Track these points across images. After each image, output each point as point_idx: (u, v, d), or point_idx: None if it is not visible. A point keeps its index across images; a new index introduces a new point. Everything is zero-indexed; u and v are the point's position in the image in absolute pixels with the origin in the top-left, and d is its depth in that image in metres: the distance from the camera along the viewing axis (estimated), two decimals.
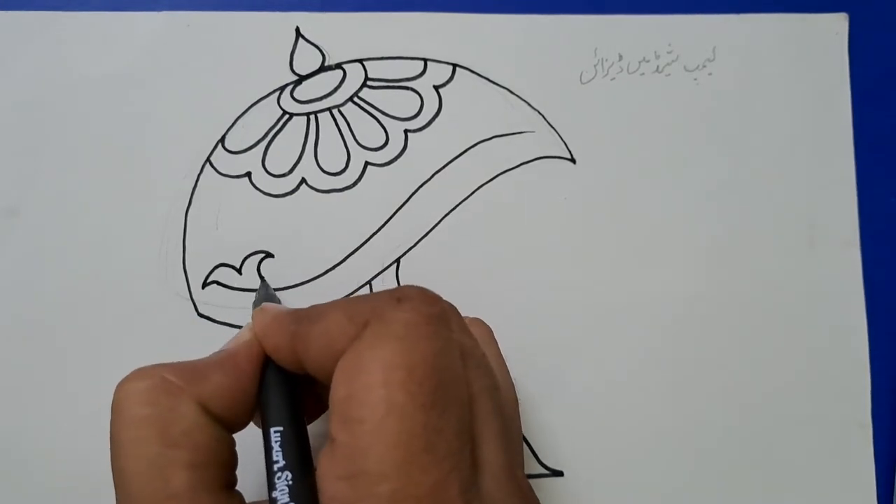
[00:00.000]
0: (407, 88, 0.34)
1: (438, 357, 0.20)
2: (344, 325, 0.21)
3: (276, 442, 0.22)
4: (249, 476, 0.25)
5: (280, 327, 0.23)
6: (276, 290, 0.32)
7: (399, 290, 0.22)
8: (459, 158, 0.33)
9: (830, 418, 0.32)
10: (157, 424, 0.21)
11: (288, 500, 0.20)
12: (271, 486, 0.21)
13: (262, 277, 0.32)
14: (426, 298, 0.21)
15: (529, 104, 0.34)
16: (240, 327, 0.32)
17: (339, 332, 0.21)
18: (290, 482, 0.21)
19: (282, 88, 0.34)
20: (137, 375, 0.22)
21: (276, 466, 0.21)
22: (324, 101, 0.33)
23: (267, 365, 0.24)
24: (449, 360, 0.21)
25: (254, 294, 0.32)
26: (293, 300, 0.32)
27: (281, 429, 0.22)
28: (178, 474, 0.20)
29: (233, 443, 0.23)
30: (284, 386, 0.24)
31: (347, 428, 0.19)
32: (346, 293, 0.32)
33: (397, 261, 0.32)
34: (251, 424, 0.24)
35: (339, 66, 0.34)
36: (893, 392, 0.33)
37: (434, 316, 0.21)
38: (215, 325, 0.32)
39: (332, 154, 0.33)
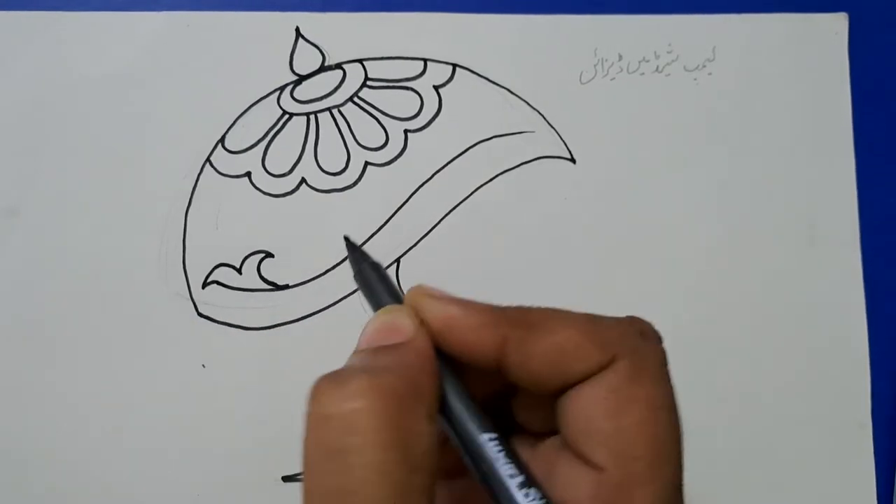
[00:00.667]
0: (407, 88, 0.34)
1: (676, 399, 0.21)
2: (587, 349, 0.21)
3: (499, 451, 0.20)
4: None
5: (484, 327, 0.21)
6: (276, 289, 0.32)
7: (635, 322, 0.22)
8: (459, 158, 0.33)
9: (830, 418, 0.32)
10: (403, 448, 0.19)
11: None
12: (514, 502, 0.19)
13: (348, 240, 0.25)
14: (658, 335, 0.22)
15: (529, 104, 0.34)
16: (240, 327, 0.32)
17: (580, 354, 0.21)
18: (544, 500, 0.19)
19: (282, 88, 0.34)
20: (365, 389, 0.19)
21: (516, 481, 0.19)
22: (324, 101, 0.33)
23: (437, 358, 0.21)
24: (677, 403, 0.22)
25: (254, 294, 0.32)
26: (293, 300, 0.32)
27: (497, 436, 0.20)
28: (420, 501, 0.19)
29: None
30: (462, 380, 0.21)
31: (620, 461, 0.20)
32: (346, 293, 0.32)
33: (397, 261, 0.32)
34: None
35: (339, 66, 0.34)
36: (893, 392, 0.33)
37: (664, 354, 0.22)
38: (215, 324, 0.32)
39: (332, 154, 0.33)
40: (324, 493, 0.19)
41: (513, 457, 0.20)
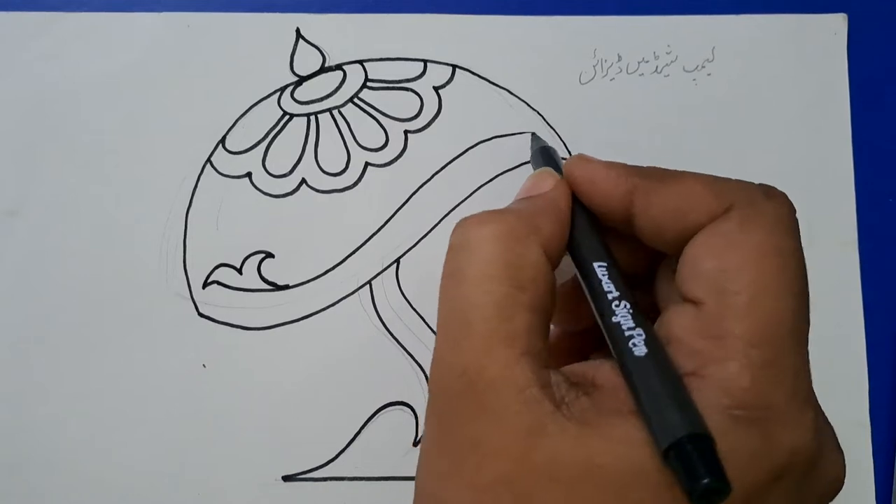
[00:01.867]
0: (407, 89, 0.34)
1: (801, 255, 0.22)
2: (706, 198, 0.22)
3: (603, 275, 0.22)
4: None
5: (617, 177, 0.24)
6: (276, 289, 0.32)
7: (765, 186, 0.23)
8: (459, 159, 0.33)
9: (829, 417, 0.32)
10: (510, 267, 0.22)
11: (633, 324, 0.21)
12: (608, 313, 0.21)
13: (534, 133, 0.32)
14: (790, 202, 0.23)
15: (529, 105, 0.34)
16: (240, 327, 0.32)
17: (699, 202, 0.22)
18: (631, 310, 0.21)
19: (282, 89, 0.34)
20: (487, 218, 0.23)
21: (610, 296, 0.22)
22: (324, 101, 0.34)
23: (575, 206, 0.25)
24: (804, 261, 0.22)
25: (254, 294, 0.32)
26: (293, 300, 0.32)
27: (606, 264, 0.23)
28: (522, 315, 0.21)
29: (556, 292, 0.23)
30: (596, 227, 0.24)
31: (718, 296, 0.21)
32: (346, 293, 0.32)
33: (397, 261, 0.32)
34: None
35: (339, 66, 0.34)
36: (892, 392, 0.33)
37: (795, 218, 0.22)
38: (216, 324, 0.32)
39: (332, 154, 0.33)
40: (445, 305, 0.22)
41: (614, 279, 0.22)
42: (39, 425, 0.31)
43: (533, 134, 0.32)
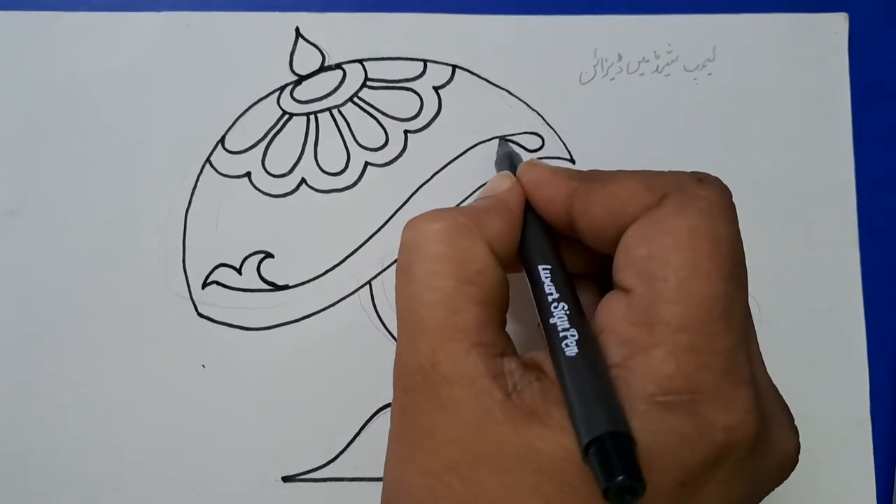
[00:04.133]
0: (407, 89, 0.34)
1: (736, 240, 0.22)
2: (639, 192, 0.22)
3: (546, 278, 0.23)
4: None
5: (559, 181, 0.24)
6: (275, 289, 0.32)
7: (697, 173, 0.23)
8: (459, 159, 0.33)
9: (829, 417, 0.32)
10: (455, 262, 0.22)
11: (568, 325, 0.21)
12: (547, 315, 0.22)
13: (501, 139, 0.33)
14: (724, 187, 0.23)
15: (529, 105, 0.34)
16: (240, 327, 0.32)
17: (633, 197, 0.23)
18: (568, 311, 0.22)
19: (282, 88, 0.34)
20: (433, 217, 0.24)
21: (550, 298, 0.22)
22: (324, 101, 0.34)
23: (527, 212, 0.25)
24: (741, 248, 0.22)
25: (254, 294, 0.32)
26: (293, 300, 0.32)
27: (550, 267, 0.23)
28: (470, 308, 0.22)
29: (507, 284, 0.24)
30: (546, 231, 0.25)
31: (647, 283, 0.21)
32: (346, 293, 0.32)
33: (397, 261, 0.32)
34: None
35: (338, 66, 0.34)
36: (892, 390, 0.33)
37: (731, 203, 0.23)
38: (215, 324, 0.32)
39: (331, 154, 0.33)
40: (400, 302, 0.23)
41: (555, 281, 0.23)
42: (39, 425, 0.31)
43: (500, 139, 0.32)
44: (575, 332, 0.21)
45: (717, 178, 0.23)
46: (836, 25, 0.35)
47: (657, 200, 0.22)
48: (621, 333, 0.21)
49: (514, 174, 0.27)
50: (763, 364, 0.23)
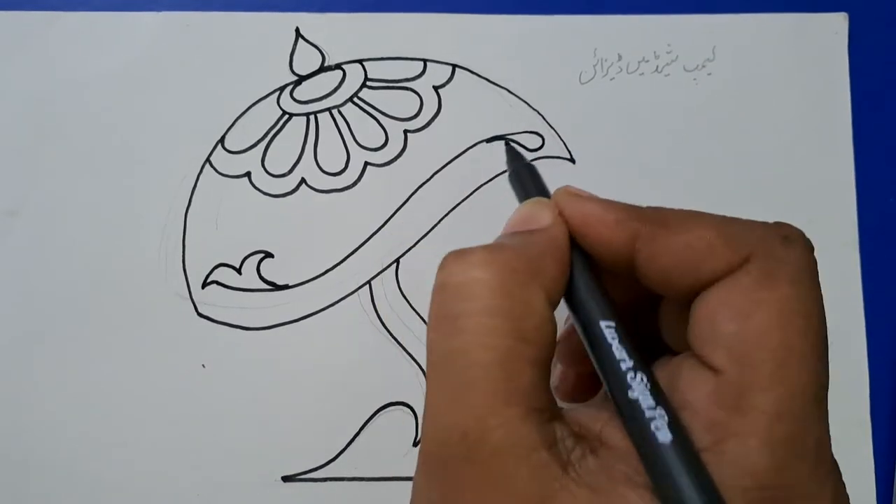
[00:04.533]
0: (406, 89, 0.34)
1: (822, 307, 0.20)
2: (719, 248, 0.20)
3: (613, 339, 0.20)
4: None
5: (618, 222, 0.21)
6: (275, 289, 0.32)
7: (782, 228, 0.21)
8: (459, 158, 0.33)
9: (829, 416, 0.32)
10: (512, 317, 0.20)
11: (654, 403, 0.19)
12: (622, 387, 0.19)
13: (508, 143, 0.29)
14: (809, 244, 0.21)
15: (529, 104, 0.34)
16: (240, 327, 0.32)
17: (712, 253, 0.20)
18: (649, 386, 0.19)
19: (281, 89, 0.34)
20: (485, 258, 0.20)
21: (623, 367, 0.20)
22: (323, 101, 0.34)
23: (572, 248, 0.22)
24: (824, 311, 0.21)
25: (254, 294, 0.32)
26: (292, 300, 0.32)
27: (614, 324, 0.20)
28: (527, 371, 0.19)
29: (556, 337, 0.21)
30: (596, 274, 0.22)
31: (740, 365, 0.19)
32: (346, 293, 0.32)
33: (397, 261, 0.32)
34: None
35: (338, 66, 0.34)
36: (892, 391, 0.33)
37: (815, 264, 0.21)
38: (215, 324, 0.32)
39: (331, 154, 0.33)
40: (439, 354, 0.20)
41: (626, 344, 0.20)
42: (39, 425, 0.31)
43: (506, 143, 0.29)
44: (664, 413, 0.19)
45: (800, 232, 0.21)
46: (835, 25, 0.35)
47: (741, 261, 0.20)
48: (708, 416, 0.19)
49: (541, 194, 0.24)
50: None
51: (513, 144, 0.29)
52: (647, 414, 0.19)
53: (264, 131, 0.33)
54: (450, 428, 0.19)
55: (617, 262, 0.22)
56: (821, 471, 0.19)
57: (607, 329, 0.20)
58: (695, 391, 0.19)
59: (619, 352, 0.20)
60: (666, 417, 0.19)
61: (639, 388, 0.19)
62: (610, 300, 0.21)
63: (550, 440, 0.19)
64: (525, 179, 0.25)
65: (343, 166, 0.33)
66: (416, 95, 0.34)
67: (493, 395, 0.19)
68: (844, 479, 0.33)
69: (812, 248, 0.21)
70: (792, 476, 0.19)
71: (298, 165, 0.33)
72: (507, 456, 0.18)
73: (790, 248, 0.20)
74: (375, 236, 0.32)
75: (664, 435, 0.18)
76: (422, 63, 0.34)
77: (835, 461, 0.21)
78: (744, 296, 0.20)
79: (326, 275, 0.32)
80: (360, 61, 0.34)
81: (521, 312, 0.20)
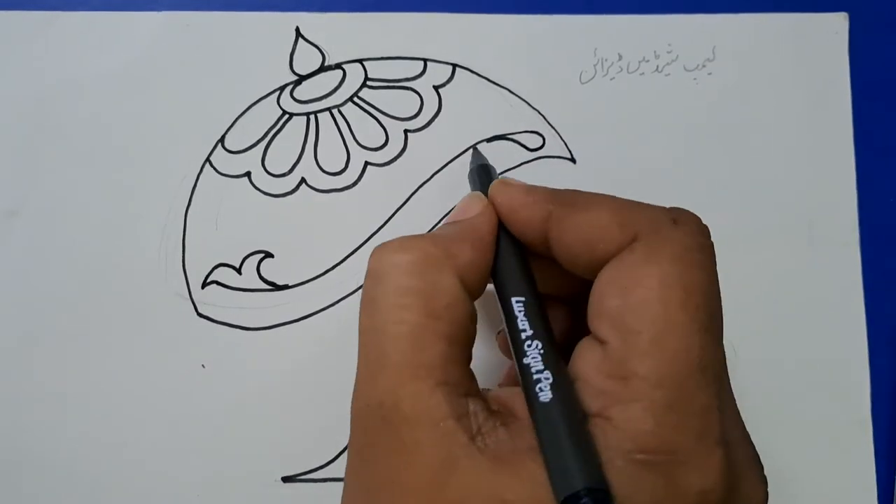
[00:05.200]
0: (407, 88, 0.34)
1: (711, 286, 0.21)
2: (611, 228, 0.22)
3: (519, 311, 0.22)
4: None
5: (534, 204, 0.23)
6: (275, 289, 0.32)
7: (674, 211, 0.22)
8: (459, 158, 0.33)
9: (830, 417, 0.32)
10: (422, 296, 0.21)
11: (542, 367, 0.20)
12: (521, 353, 0.21)
13: (475, 148, 0.32)
14: (701, 227, 0.22)
15: (529, 104, 0.34)
16: (240, 327, 0.32)
17: (605, 233, 0.22)
18: (542, 351, 0.21)
19: (282, 88, 0.34)
20: (400, 246, 0.22)
21: (523, 335, 0.21)
22: (324, 101, 0.33)
23: (500, 235, 0.24)
24: (717, 293, 0.21)
25: (254, 294, 0.32)
26: (292, 300, 0.32)
27: (523, 299, 0.22)
28: (436, 345, 0.21)
29: (476, 318, 0.23)
30: (520, 257, 0.24)
31: (621, 335, 0.20)
32: (346, 293, 0.32)
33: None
34: None
35: (338, 66, 0.34)
36: (893, 391, 0.33)
37: (707, 246, 0.22)
38: (215, 324, 0.32)
39: (331, 154, 0.33)
40: (363, 333, 0.22)
41: (530, 316, 0.22)
42: (38, 425, 0.31)
43: (474, 148, 0.32)
44: (549, 375, 0.20)
45: (694, 216, 0.23)
46: (836, 25, 0.35)
47: (629, 241, 0.21)
48: (596, 384, 0.20)
49: (484, 189, 0.26)
50: (737, 413, 0.22)
51: (478, 148, 0.32)
52: (535, 377, 0.20)
53: (264, 131, 0.33)
54: (368, 398, 0.21)
55: (539, 244, 0.24)
56: (707, 441, 0.20)
57: (516, 303, 0.22)
58: (585, 363, 0.21)
59: (522, 322, 0.22)
60: (550, 380, 0.20)
61: (532, 354, 0.21)
62: (528, 279, 0.23)
63: (461, 412, 0.20)
64: (476, 178, 0.28)
65: (343, 166, 0.33)
66: (416, 95, 0.34)
67: (403, 367, 0.20)
68: (845, 478, 0.33)
69: (704, 232, 0.22)
70: (675, 442, 0.19)
71: (298, 165, 0.33)
72: (416, 424, 0.20)
73: (677, 229, 0.22)
74: (375, 236, 0.32)
75: (545, 395, 0.20)
76: (422, 63, 0.34)
77: (739, 434, 0.22)
78: (628, 272, 0.21)
79: (326, 275, 0.32)
80: (360, 61, 0.34)
81: (430, 291, 0.21)
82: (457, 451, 0.19)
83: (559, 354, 0.21)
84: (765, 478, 0.22)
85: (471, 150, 0.33)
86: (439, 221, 0.33)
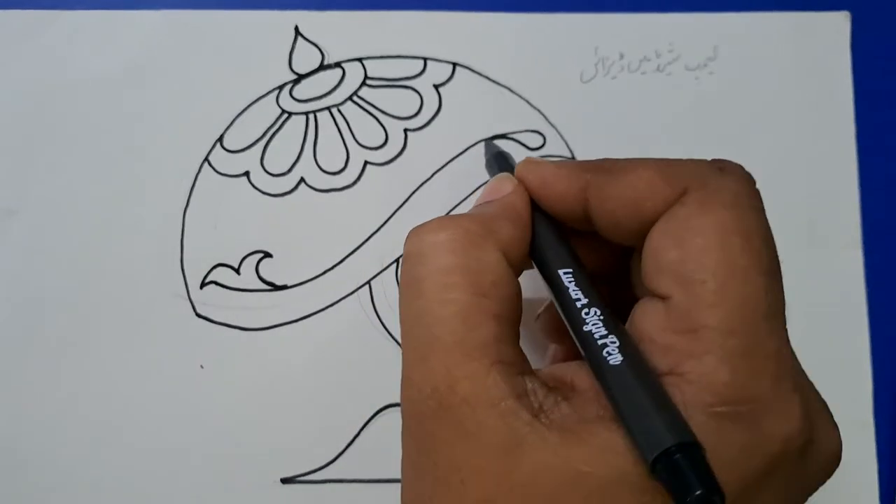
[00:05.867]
0: (406, 87, 0.34)
1: (767, 230, 0.21)
2: (658, 185, 0.21)
3: (570, 282, 0.22)
4: None
5: (569, 175, 0.23)
6: (274, 289, 0.32)
7: (718, 161, 0.22)
8: (460, 157, 0.33)
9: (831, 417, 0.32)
10: (469, 273, 0.21)
11: (606, 332, 0.20)
12: (578, 322, 0.21)
13: (487, 141, 0.32)
14: (746, 174, 0.22)
15: (530, 103, 0.34)
16: (239, 327, 0.32)
17: (651, 191, 0.21)
18: (602, 317, 0.20)
19: (281, 87, 0.34)
20: (440, 225, 0.22)
21: (579, 304, 0.21)
22: (323, 100, 0.33)
23: (535, 213, 0.24)
24: (771, 234, 0.21)
25: (253, 294, 0.32)
26: (291, 300, 0.32)
27: (571, 270, 0.22)
28: (488, 323, 0.20)
29: (521, 295, 0.22)
30: (559, 232, 0.24)
31: (684, 287, 0.20)
32: (346, 293, 0.32)
33: (397, 260, 0.32)
34: None
35: (338, 64, 0.34)
36: (895, 391, 0.32)
37: (756, 191, 0.22)
38: (213, 324, 0.32)
39: (331, 153, 0.33)
40: (407, 318, 0.21)
41: (581, 285, 0.21)
42: (36, 425, 0.31)
43: (486, 141, 0.32)
44: (615, 339, 0.20)
45: (738, 165, 0.22)
46: (837, 24, 0.35)
47: (678, 195, 0.21)
48: (664, 342, 0.20)
49: (508, 170, 0.26)
50: (797, 360, 0.22)
51: (489, 140, 0.32)
52: (600, 342, 0.20)
53: (263, 130, 0.33)
54: (421, 385, 0.20)
55: (575, 216, 0.23)
56: (784, 385, 0.19)
57: (565, 275, 0.22)
58: (649, 322, 0.20)
59: (574, 292, 0.21)
60: (617, 343, 0.20)
61: (592, 321, 0.20)
62: (570, 251, 0.23)
63: (519, 390, 0.20)
64: (495, 164, 0.28)
65: (343, 165, 0.33)
66: (416, 94, 0.33)
67: (456, 347, 0.20)
68: (846, 479, 0.32)
69: (751, 179, 0.22)
70: (753, 390, 0.19)
71: (298, 164, 0.33)
72: (475, 405, 0.19)
73: (725, 177, 0.21)
74: (375, 236, 0.32)
75: (615, 359, 0.19)
76: (422, 61, 0.34)
77: (805, 380, 0.21)
78: (683, 224, 0.20)
79: (326, 275, 0.32)
80: (359, 59, 0.34)
81: (476, 268, 0.21)
82: (522, 429, 0.19)
83: (619, 320, 0.21)
84: (836, 424, 0.22)
85: (482, 144, 0.32)
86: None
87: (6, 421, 0.31)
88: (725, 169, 0.22)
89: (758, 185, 0.33)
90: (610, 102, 0.34)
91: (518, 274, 0.23)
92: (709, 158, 0.23)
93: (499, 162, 0.28)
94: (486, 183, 0.26)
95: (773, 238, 0.21)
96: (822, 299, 0.33)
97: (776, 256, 0.21)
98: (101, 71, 0.33)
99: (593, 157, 0.33)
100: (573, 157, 0.33)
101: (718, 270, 0.20)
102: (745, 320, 0.19)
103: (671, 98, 0.34)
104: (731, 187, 0.21)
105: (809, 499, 0.32)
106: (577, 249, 0.23)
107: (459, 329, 0.20)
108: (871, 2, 0.35)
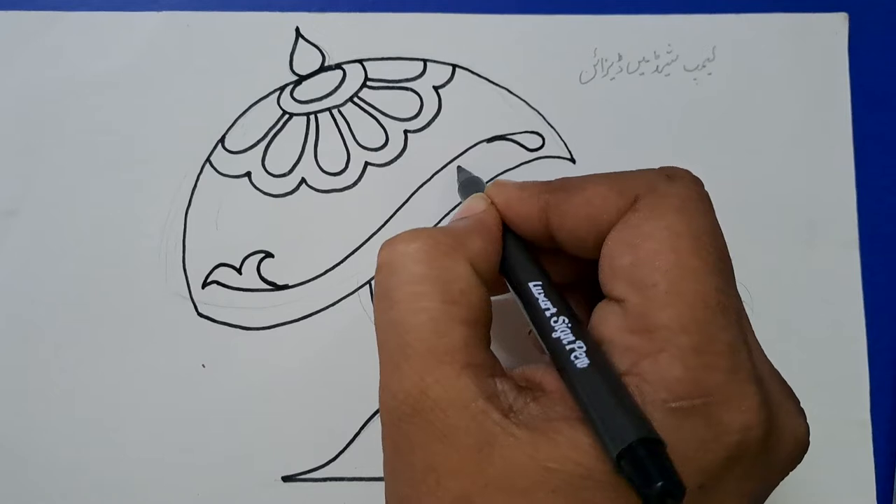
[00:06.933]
0: (407, 89, 0.34)
1: (716, 230, 0.22)
2: (611, 197, 0.22)
3: (539, 294, 0.23)
4: None
5: (530, 197, 0.24)
6: (275, 289, 0.32)
7: (667, 168, 0.23)
8: (459, 158, 0.33)
9: (830, 417, 0.32)
10: (438, 282, 0.22)
11: (573, 337, 0.21)
12: (548, 330, 0.22)
13: (459, 168, 0.32)
14: (694, 178, 0.23)
15: (529, 104, 0.34)
16: (240, 327, 0.32)
17: (605, 203, 0.22)
18: (569, 324, 0.21)
19: (282, 88, 0.34)
20: (411, 237, 0.23)
21: (548, 314, 0.22)
22: (324, 101, 0.33)
23: (505, 233, 0.25)
24: (722, 237, 0.22)
25: (254, 294, 0.32)
26: (292, 300, 0.32)
27: (540, 283, 0.23)
28: (457, 329, 0.21)
29: (490, 303, 0.23)
30: (527, 248, 0.25)
31: (638, 290, 0.21)
32: (346, 293, 0.32)
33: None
34: None
35: (338, 66, 0.34)
36: (893, 390, 0.33)
37: (704, 195, 0.22)
38: (215, 324, 0.32)
39: (332, 154, 0.33)
40: (382, 328, 0.22)
41: (550, 296, 0.23)
42: (38, 425, 0.31)
43: (459, 167, 0.32)
44: (582, 344, 0.21)
45: (686, 171, 0.23)
46: (835, 25, 0.35)
47: (630, 203, 0.22)
48: (622, 343, 0.21)
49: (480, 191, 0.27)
50: (762, 351, 0.23)
51: (461, 166, 0.32)
52: (568, 348, 0.21)
53: (264, 131, 0.33)
54: (395, 391, 0.21)
55: (541, 235, 0.24)
56: (739, 377, 0.20)
57: (534, 287, 0.23)
58: (608, 325, 0.21)
59: (544, 303, 0.22)
60: (584, 348, 0.21)
61: (560, 328, 0.21)
62: (538, 265, 0.24)
63: (490, 392, 0.20)
64: (469, 187, 0.29)
65: (343, 166, 0.33)
66: (416, 95, 0.34)
67: (428, 353, 0.21)
68: (844, 478, 0.33)
69: (699, 182, 0.23)
70: (707, 383, 0.19)
71: (299, 165, 0.33)
72: (447, 407, 0.20)
73: (673, 183, 0.22)
74: (375, 236, 0.32)
75: (582, 362, 0.20)
76: (422, 63, 0.34)
77: (768, 370, 0.22)
78: (634, 230, 0.21)
79: (326, 275, 0.32)
80: (360, 61, 0.34)
81: (445, 277, 0.22)
82: (492, 428, 0.20)
83: (585, 327, 0.22)
84: (802, 411, 0.22)
85: (481, 145, 0.33)
86: (439, 222, 0.33)
87: (6, 421, 0.31)
88: (674, 175, 0.23)
89: (756, 186, 0.33)
90: (609, 103, 0.34)
91: (488, 286, 0.23)
92: (692, 168, 0.23)
93: (470, 188, 0.29)
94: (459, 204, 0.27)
95: (723, 238, 0.22)
96: (820, 298, 0.33)
97: (727, 255, 0.22)
98: (102, 72, 0.33)
99: (593, 158, 0.33)
100: (572, 158, 0.33)
101: (670, 272, 0.20)
102: (696, 318, 0.20)
103: (670, 99, 0.34)
104: (680, 192, 0.22)
105: (808, 497, 0.32)
106: (545, 264, 0.25)
107: (430, 336, 0.21)
108: (869, 3, 0.35)
